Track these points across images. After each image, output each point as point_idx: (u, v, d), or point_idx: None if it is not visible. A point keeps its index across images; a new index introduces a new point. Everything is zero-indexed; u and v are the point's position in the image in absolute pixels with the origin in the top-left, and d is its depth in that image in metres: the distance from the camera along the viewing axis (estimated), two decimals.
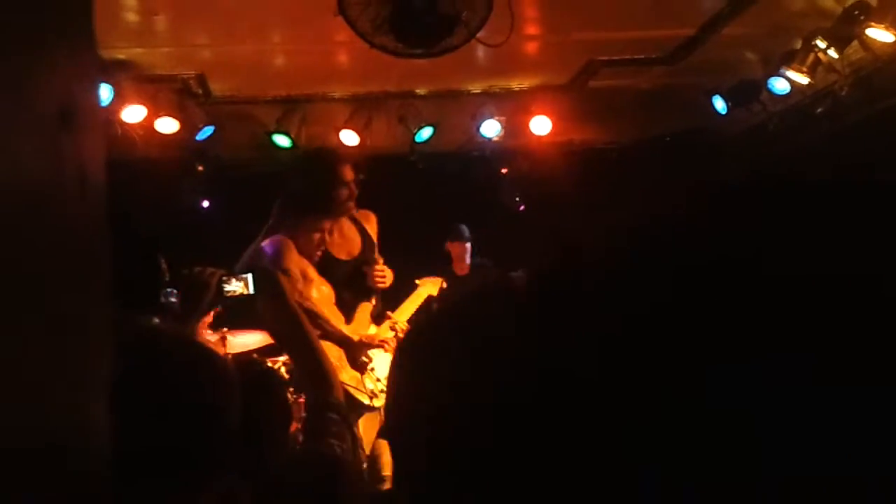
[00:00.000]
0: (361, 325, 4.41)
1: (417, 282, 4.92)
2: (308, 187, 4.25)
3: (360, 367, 4.32)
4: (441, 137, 6.12)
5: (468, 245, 6.19)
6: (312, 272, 4.22)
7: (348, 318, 4.38)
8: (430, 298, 4.83)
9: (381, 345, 4.39)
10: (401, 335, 4.52)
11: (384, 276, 4.43)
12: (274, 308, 2.03)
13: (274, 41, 5.05)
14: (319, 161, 4.45)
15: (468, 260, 6.21)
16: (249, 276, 2.26)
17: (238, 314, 4.11)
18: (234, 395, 1.29)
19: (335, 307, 4.32)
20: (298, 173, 4.50)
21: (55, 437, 0.83)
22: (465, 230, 6.22)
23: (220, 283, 2.26)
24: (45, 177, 0.77)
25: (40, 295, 0.84)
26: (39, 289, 0.83)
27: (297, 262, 4.12)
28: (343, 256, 4.43)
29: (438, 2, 3.23)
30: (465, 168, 6.54)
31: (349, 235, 4.49)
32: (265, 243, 4.14)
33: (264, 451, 1.86)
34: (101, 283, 0.89)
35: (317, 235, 4.17)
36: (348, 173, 4.27)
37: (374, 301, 4.53)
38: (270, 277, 2.07)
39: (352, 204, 4.34)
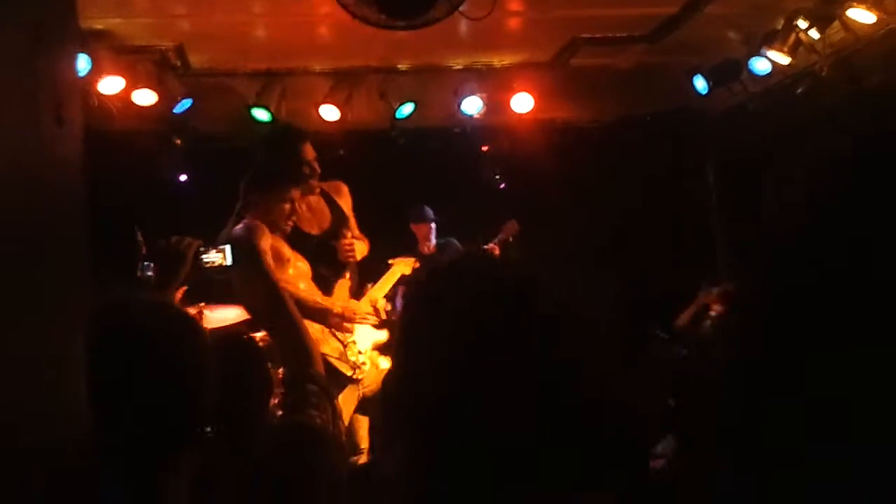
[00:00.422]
0: (340, 300, 4.41)
1: (391, 261, 4.97)
2: (271, 162, 4.29)
3: (342, 337, 4.32)
4: (422, 113, 6.09)
5: (432, 225, 6.23)
6: (287, 250, 4.21)
7: (327, 293, 4.38)
8: (403, 277, 4.87)
9: (362, 319, 4.40)
10: (382, 314, 4.55)
11: (352, 249, 4.45)
12: (253, 280, 2.02)
13: (254, 12, 4.99)
14: (281, 138, 4.52)
15: (433, 240, 6.24)
16: (228, 248, 2.24)
17: (215, 286, 4.08)
18: (211, 359, 1.28)
19: (312, 283, 4.31)
20: (262, 149, 4.54)
21: (38, 412, 0.82)
22: (429, 210, 6.25)
23: (198, 253, 2.24)
24: (18, 105, 0.75)
25: (22, 258, 0.82)
26: (22, 250, 0.81)
27: (268, 244, 4.10)
28: (314, 231, 4.44)
29: None
30: (447, 145, 6.52)
31: (318, 208, 4.51)
32: (237, 229, 4.13)
33: (246, 421, 1.86)
34: (81, 241, 0.87)
35: (287, 206, 4.17)
36: (309, 151, 4.35)
37: (347, 276, 4.54)
38: (250, 249, 2.05)
39: (314, 181, 4.37)
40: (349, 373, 4.22)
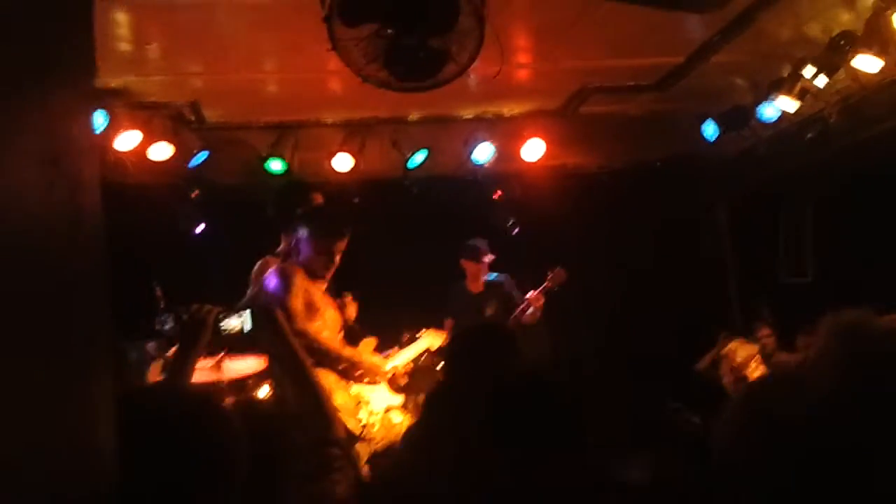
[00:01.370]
0: (366, 355, 4.46)
1: (424, 331, 5.01)
2: (321, 214, 4.45)
3: (358, 395, 4.34)
4: (434, 162, 6.16)
5: (483, 265, 6.10)
6: (319, 298, 4.26)
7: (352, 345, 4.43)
8: (427, 351, 4.90)
9: (382, 377, 4.45)
10: (401, 380, 4.57)
11: (354, 312, 4.57)
12: (274, 346, 2.06)
13: (267, 69, 5.08)
14: (305, 189, 4.68)
15: (483, 278, 6.14)
16: (247, 313, 2.28)
17: (234, 349, 4.12)
18: (242, 451, 1.31)
19: (338, 334, 4.36)
20: (291, 200, 4.65)
21: (63, 459, 0.86)
22: (482, 247, 6.11)
23: (217, 320, 2.28)
24: (39, 214, 0.80)
25: (48, 327, 0.86)
26: (46, 322, 0.86)
27: (302, 292, 4.15)
28: None
29: (430, 37, 3.26)
30: (459, 192, 6.56)
31: None
32: (269, 274, 4.19)
33: (270, 490, 1.87)
34: (102, 317, 0.92)
35: (337, 255, 4.28)
36: (319, 199, 4.61)
37: (373, 339, 4.59)
38: (269, 316, 2.09)
39: None
40: (355, 430, 4.20)
